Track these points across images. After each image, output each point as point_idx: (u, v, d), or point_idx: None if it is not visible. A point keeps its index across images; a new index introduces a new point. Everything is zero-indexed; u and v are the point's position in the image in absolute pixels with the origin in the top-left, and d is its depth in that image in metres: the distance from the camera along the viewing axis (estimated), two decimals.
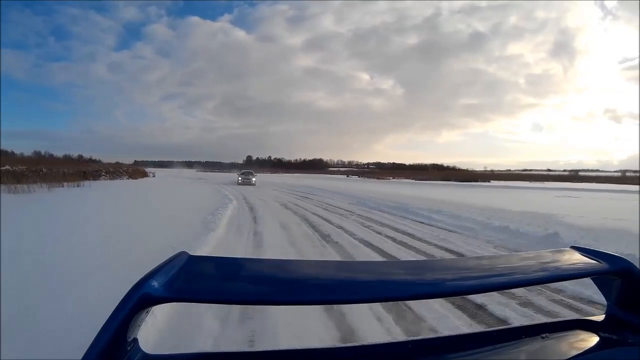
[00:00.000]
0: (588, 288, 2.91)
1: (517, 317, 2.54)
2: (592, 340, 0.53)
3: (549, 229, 5.98)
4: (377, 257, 4.30)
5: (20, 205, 8.08)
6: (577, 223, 7.38)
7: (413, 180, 48.54)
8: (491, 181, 51.95)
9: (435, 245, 5.08)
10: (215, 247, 4.45)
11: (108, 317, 0.39)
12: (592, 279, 0.57)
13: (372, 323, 2.38)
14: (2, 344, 1.74)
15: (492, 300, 2.79)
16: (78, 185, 15.70)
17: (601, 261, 0.54)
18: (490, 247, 5.12)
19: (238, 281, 0.48)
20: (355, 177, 61.70)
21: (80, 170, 19.77)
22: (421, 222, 7.38)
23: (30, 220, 6.07)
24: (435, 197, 14.14)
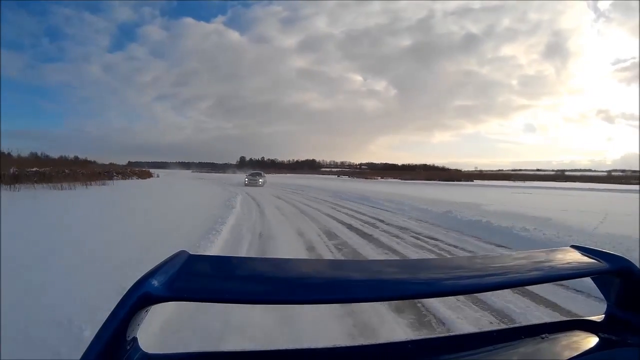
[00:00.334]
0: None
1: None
2: (592, 340, 0.53)
3: (449, 210, 9.25)
4: (333, 223, 7.49)
5: (81, 197, 11.16)
6: (487, 209, 10.64)
7: (398, 180, 51.34)
8: (474, 180, 54.89)
9: (368, 215, 8.38)
10: (237, 217, 7.61)
11: (107, 316, 0.39)
12: (592, 278, 0.56)
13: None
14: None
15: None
16: (104, 184, 18.57)
17: (601, 261, 0.54)
18: (399, 215, 8.42)
19: (238, 280, 0.49)
20: (345, 177, 63.94)
21: (95, 171, 22.59)
22: (372, 206, 10.68)
23: (110, 205, 9.21)
24: (401, 193, 17.41)
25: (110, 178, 24.00)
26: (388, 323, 2.45)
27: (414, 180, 52.01)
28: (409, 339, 0.53)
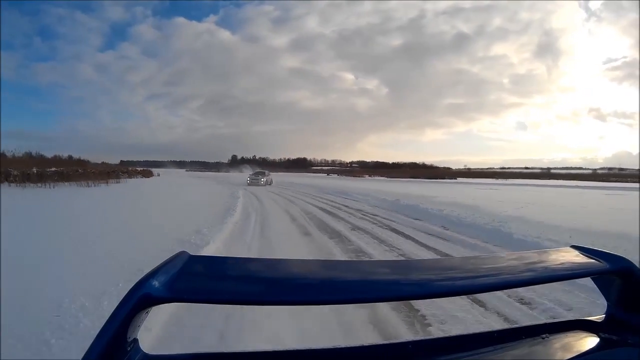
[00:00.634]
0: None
1: None
2: (592, 340, 0.53)
3: (399, 199, 12.30)
4: (310, 207, 10.45)
5: (113, 191, 13.93)
6: (434, 200, 13.70)
7: (384, 178, 54.47)
8: (457, 178, 58.27)
9: (338, 202, 11.43)
10: (243, 203, 10.51)
11: (108, 317, 0.40)
12: (592, 278, 0.57)
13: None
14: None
15: None
16: (118, 182, 21.18)
17: (601, 261, 0.54)
18: (362, 203, 11.47)
19: (239, 281, 0.49)
20: (334, 176, 66.06)
21: (104, 170, 25.00)
22: (345, 198, 13.73)
23: (144, 196, 12.05)
24: (375, 188, 20.44)
25: (118, 177, 26.59)
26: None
27: (399, 178, 55.28)
28: (409, 340, 0.53)
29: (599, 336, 0.54)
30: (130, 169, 31.33)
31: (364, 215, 8.65)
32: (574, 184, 32.76)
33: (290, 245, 5.16)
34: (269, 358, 0.51)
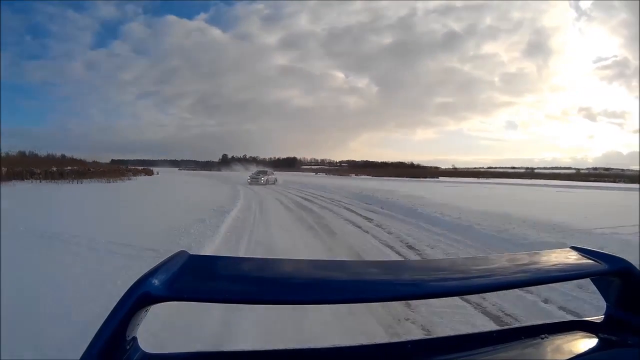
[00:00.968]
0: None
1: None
2: (592, 341, 0.54)
3: (364, 191, 15.77)
4: (295, 197, 13.88)
5: (136, 186, 17.13)
6: (397, 193, 17.20)
7: (368, 177, 57.20)
8: (439, 177, 61.35)
9: (316, 194, 14.95)
10: (245, 194, 13.86)
11: (107, 316, 0.40)
12: (591, 279, 0.57)
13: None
14: None
15: None
16: (129, 179, 24.11)
17: (600, 261, 0.55)
18: (335, 194, 15.00)
19: (239, 281, 0.50)
20: (322, 174, 67.63)
21: (113, 169, 27.71)
22: (323, 191, 17.26)
23: (165, 188, 15.34)
24: (353, 185, 23.76)
25: (125, 175, 29.00)
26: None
27: (383, 177, 58.00)
28: (408, 339, 0.53)
29: (598, 337, 0.54)
30: (134, 168, 34.00)
31: (332, 200, 12.22)
32: (543, 183, 32.72)
33: (278, 214, 8.65)
34: (269, 357, 0.52)
